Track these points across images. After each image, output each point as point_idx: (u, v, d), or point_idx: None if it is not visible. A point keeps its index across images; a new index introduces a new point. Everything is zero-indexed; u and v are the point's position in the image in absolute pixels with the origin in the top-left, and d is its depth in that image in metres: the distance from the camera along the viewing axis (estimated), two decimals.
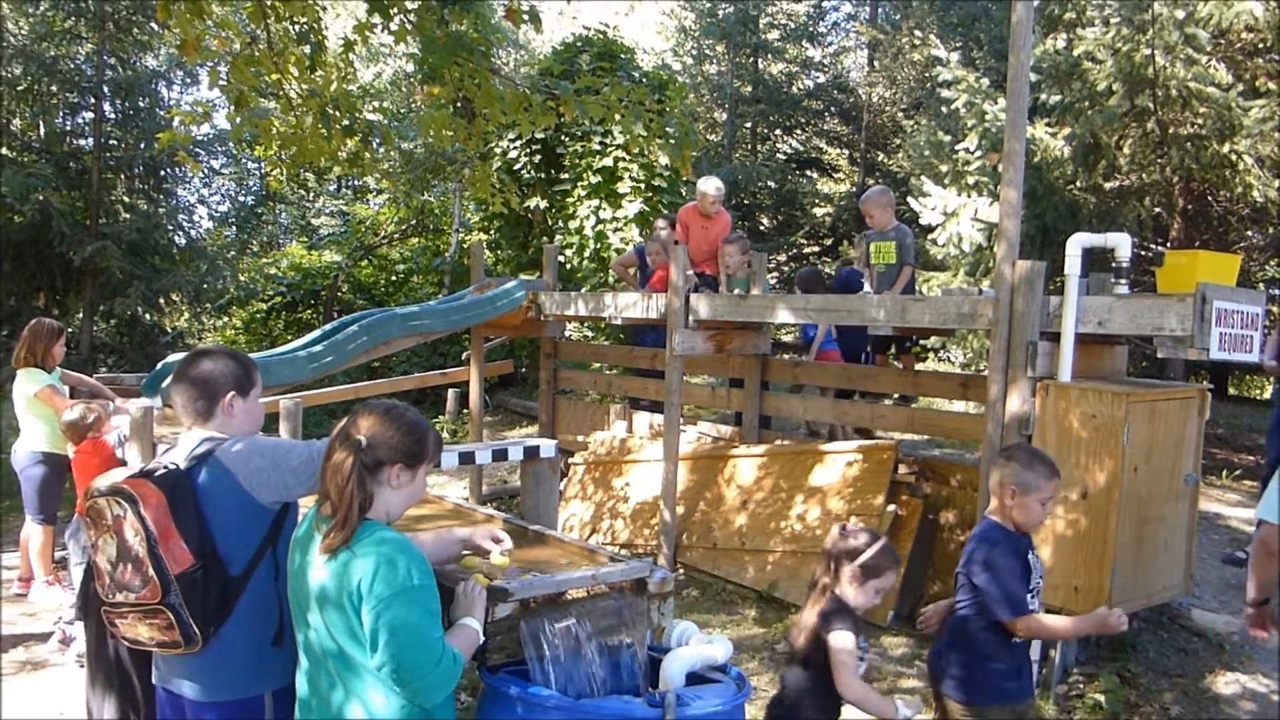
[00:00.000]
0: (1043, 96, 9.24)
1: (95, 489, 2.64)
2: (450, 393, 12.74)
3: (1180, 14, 8.15)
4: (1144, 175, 9.21)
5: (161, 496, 2.55)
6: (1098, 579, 4.72)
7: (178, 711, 2.75)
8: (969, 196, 9.47)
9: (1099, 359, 5.46)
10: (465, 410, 11.42)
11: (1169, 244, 9.64)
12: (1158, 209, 9.49)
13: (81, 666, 5.32)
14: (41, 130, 13.17)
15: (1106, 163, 9.21)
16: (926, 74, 16.49)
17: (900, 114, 19.73)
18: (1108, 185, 9.36)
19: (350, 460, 2.38)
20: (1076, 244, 5.04)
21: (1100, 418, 4.72)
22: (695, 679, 2.81)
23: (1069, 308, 4.91)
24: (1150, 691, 5.02)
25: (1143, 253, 8.97)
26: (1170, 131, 8.72)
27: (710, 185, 8.67)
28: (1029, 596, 3.30)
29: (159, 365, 6.57)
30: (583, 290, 9.30)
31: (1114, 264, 5.15)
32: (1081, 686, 5.01)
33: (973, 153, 9.45)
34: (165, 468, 2.64)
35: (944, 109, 11.04)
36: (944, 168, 9.85)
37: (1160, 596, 5.18)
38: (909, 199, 10.37)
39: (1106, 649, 5.41)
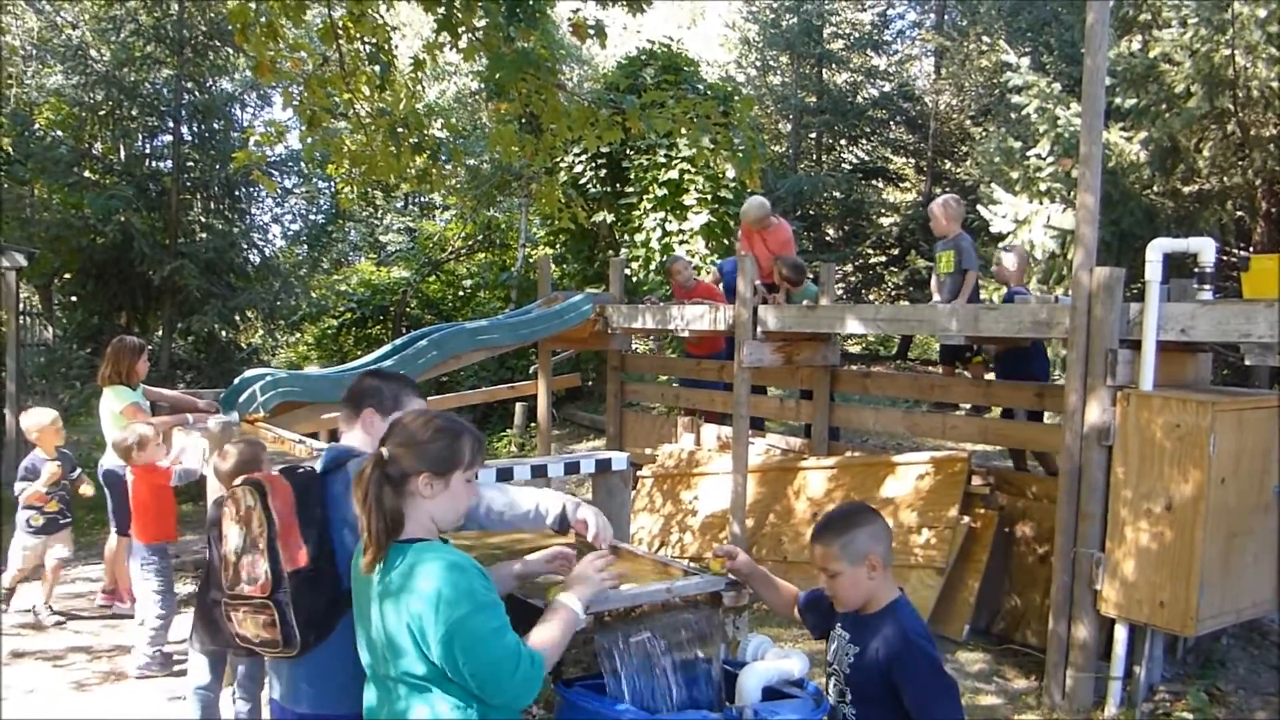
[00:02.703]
0: (1117, 100, 9.04)
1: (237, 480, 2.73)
2: (518, 406, 12.83)
3: (1262, 12, 7.92)
4: (1225, 179, 8.95)
5: (290, 491, 2.58)
6: (1184, 594, 4.58)
7: None
8: (1041, 203, 9.29)
9: (1181, 367, 5.31)
10: (533, 424, 11.49)
11: (1252, 249, 9.36)
12: (1240, 213, 9.22)
13: (141, 678, 5.50)
14: (122, 153, 13.55)
15: (1185, 166, 8.98)
16: (995, 80, 16.24)
17: (968, 121, 19.46)
18: (1186, 189, 9.13)
19: (369, 471, 2.34)
20: (1157, 249, 4.92)
21: (1185, 427, 4.58)
22: (771, 694, 2.76)
23: (1150, 314, 4.79)
24: (1241, 710, 4.85)
25: (1224, 258, 8.72)
26: (1252, 133, 8.47)
27: (750, 212, 8.55)
28: (826, 679, 2.93)
29: (236, 381, 6.72)
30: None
31: (1196, 269, 5.01)
32: (1168, 704, 4.86)
33: (1045, 159, 9.28)
34: (305, 468, 2.69)
35: (1014, 115, 10.86)
36: (1015, 175, 9.68)
37: (1250, 612, 5.01)
38: (979, 207, 10.21)
39: (1194, 665, 5.25)
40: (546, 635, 2.39)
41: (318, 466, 2.73)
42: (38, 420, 6.56)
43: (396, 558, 2.32)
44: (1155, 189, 9.11)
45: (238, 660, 4.52)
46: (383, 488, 2.33)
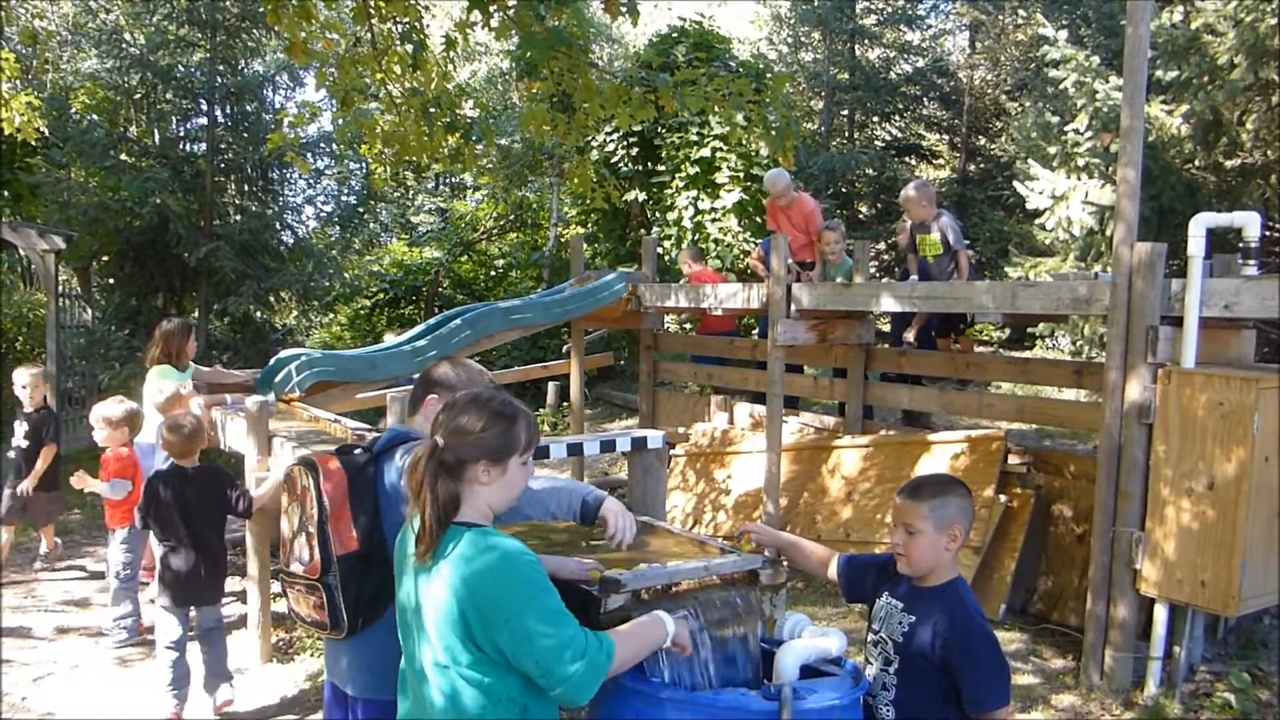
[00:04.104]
0: (1158, 73, 8.88)
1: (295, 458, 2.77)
2: (550, 385, 12.86)
3: None
4: (1269, 152, 8.79)
5: (343, 475, 2.57)
6: (1226, 574, 4.52)
7: (340, 703, 2.79)
8: (1079, 179, 9.17)
9: (1223, 344, 5.22)
10: (566, 403, 11.51)
11: None
12: None
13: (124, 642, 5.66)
14: (157, 136, 13.63)
15: (1228, 140, 8.82)
16: (1031, 54, 16.02)
17: (1003, 96, 19.21)
18: (1229, 163, 8.97)
19: (424, 463, 2.28)
20: (1200, 224, 4.82)
21: (1228, 405, 4.51)
22: (809, 672, 2.76)
23: (1193, 290, 4.71)
24: None
25: (1269, 233, 8.57)
26: None
27: (776, 183, 8.49)
28: (870, 647, 2.91)
29: (271, 362, 6.77)
30: (681, 282, 9.30)
31: (1241, 244, 4.92)
32: (1209, 685, 4.81)
33: (1083, 134, 9.15)
34: (361, 450, 2.69)
35: (1051, 89, 10.71)
36: (1052, 150, 9.57)
37: None
38: (1015, 183, 10.09)
39: (1235, 646, 5.19)
40: (627, 634, 2.38)
41: (372, 450, 2.72)
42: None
43: (450, 540, 2.25)
44: (1197, 163, 8.97)
45: (197, 612, 4.80)
46: (438, 478, 2.26)
